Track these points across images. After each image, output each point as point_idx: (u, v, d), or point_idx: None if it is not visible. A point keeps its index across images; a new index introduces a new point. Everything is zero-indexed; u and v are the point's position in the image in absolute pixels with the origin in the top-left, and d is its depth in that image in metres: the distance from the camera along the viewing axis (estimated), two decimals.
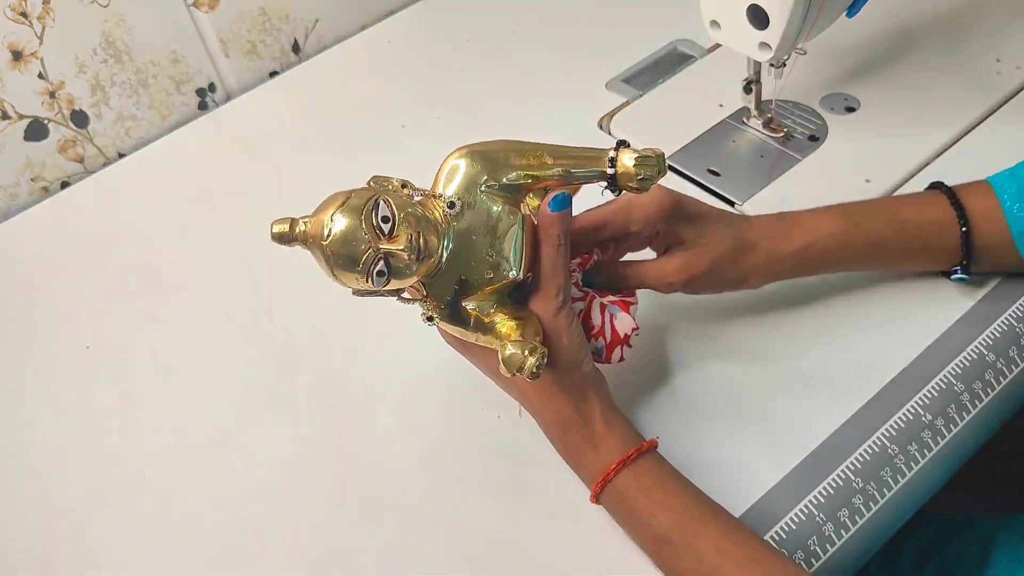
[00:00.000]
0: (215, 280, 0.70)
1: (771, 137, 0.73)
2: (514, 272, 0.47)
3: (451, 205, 0.46)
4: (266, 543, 0.54)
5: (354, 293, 0.45)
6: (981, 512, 0.72)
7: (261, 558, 0.53)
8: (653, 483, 0.48)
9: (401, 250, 0.43)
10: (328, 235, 0.42)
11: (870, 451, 0.53)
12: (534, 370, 0.45)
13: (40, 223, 0.78)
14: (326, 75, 0.88)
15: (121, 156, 0.83)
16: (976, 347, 0.57)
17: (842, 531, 0.51)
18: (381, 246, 0.42)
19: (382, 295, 0.45)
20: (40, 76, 0.76)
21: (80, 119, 0.80)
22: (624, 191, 0.50)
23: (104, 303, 0.70)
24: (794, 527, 0.50)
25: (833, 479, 0.52)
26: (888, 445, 0.53)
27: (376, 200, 0.43)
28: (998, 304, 0.59)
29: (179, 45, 0.82)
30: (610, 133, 0.76)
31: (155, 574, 0.54)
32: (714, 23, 0.66)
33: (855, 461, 0.52)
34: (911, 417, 0.54)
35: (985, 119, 0.71)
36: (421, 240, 0.43)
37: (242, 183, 0.78)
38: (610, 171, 0.48)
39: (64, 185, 0.82)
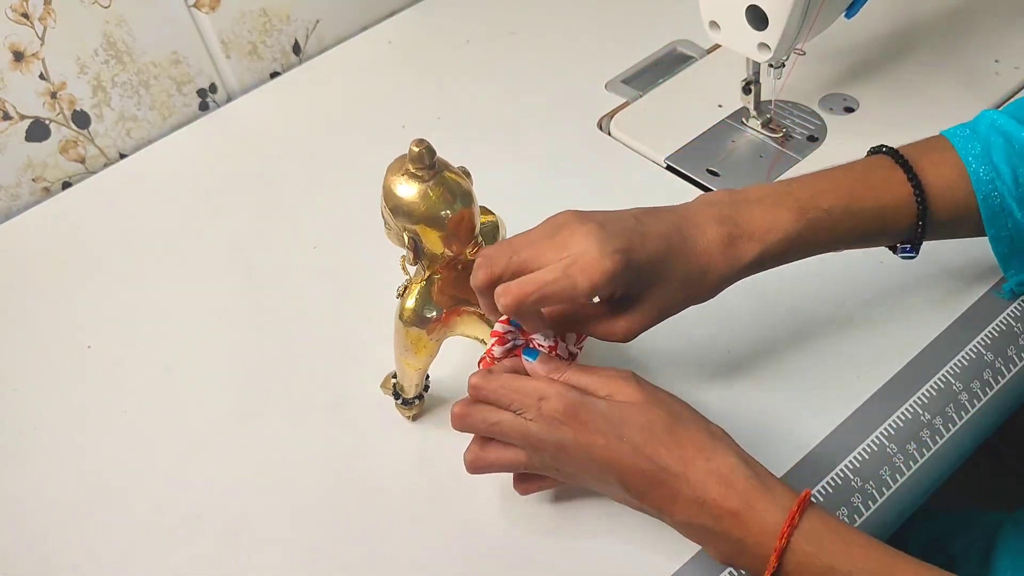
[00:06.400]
0: (215, 280, 0.70)
1: (770, 137, 0.73)
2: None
3: None
4: (266, 542, 0.54)
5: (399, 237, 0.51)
6: (986, 507, 0.72)
7: (261, 557, 0.54)
8: (837, 526, 0.44)
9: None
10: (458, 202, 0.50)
11: (869, 450, 0.53)
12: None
13: (41, 223, 0.78)
14: (327, 76, 0.88)
15: (122, 157, 0.84)
16: (974, 346, 0.57)
17: None
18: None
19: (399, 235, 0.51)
20: (41, 77, 0.76)
21: (81, 120, 0.80)
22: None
23: (105, 303, 0.70)
24: None
25: (832, 478, 0.52)
26: (887, 444, 0.53)
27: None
28: (996, 303, 0.59)
29: (180, 46, 0.82)
30: (610, 133, 0.76)
31: (155, 574, 0.54)
32: (713, 24, 0.66)
33: (854, 460, 0.53)
34: (909, 416, 0.54)
35: None
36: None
37: (243, 184, 0.78)
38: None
39: (65, 186, 0.82)
